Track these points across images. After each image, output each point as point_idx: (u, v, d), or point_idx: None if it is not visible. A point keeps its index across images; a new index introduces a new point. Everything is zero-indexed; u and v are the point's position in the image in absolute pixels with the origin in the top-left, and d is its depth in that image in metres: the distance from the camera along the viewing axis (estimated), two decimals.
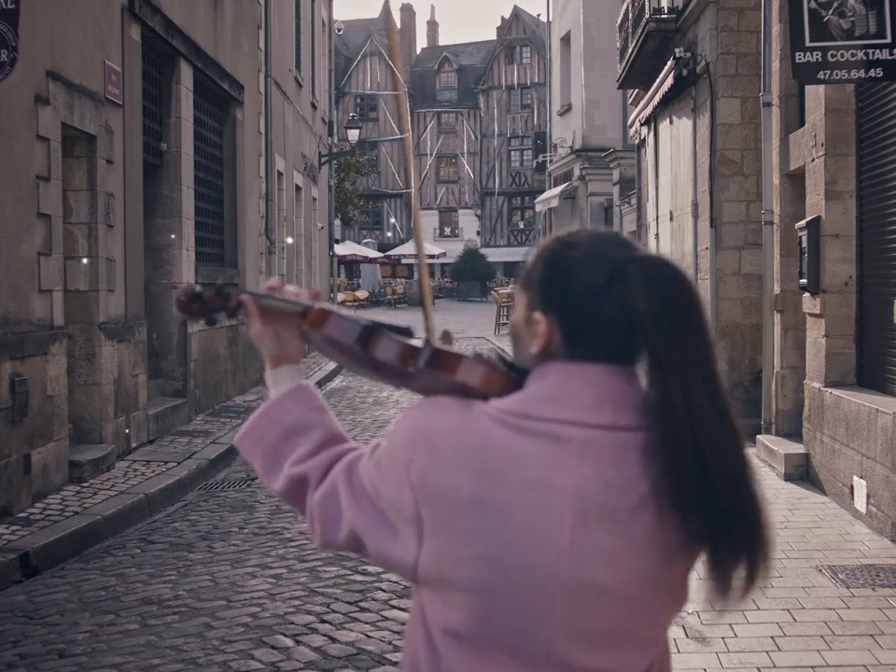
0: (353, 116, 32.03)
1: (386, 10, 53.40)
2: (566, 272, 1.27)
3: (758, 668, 4.04)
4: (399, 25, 59.46)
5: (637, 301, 1.21)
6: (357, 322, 1.38)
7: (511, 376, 1.29)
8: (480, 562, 1.21)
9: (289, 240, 14.56)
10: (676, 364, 1.19)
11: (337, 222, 32.87)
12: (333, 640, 4.47)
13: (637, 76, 14.43)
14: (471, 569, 1.21)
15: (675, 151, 12.98)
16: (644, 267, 1.23)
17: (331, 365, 16.18)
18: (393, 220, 54.49)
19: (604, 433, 1.21)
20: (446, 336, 1.43)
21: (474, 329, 26.03)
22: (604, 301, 1.23)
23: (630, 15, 14.55)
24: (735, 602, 1.24)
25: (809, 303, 7.55)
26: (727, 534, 1.20)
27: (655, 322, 1.20)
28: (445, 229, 54.80)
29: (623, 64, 15.04)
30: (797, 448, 7.85)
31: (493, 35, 60.86)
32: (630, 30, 14.48)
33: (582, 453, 1.20)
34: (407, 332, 1.37)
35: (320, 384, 15.04)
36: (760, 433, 8.89)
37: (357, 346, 1.36)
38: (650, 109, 13.56)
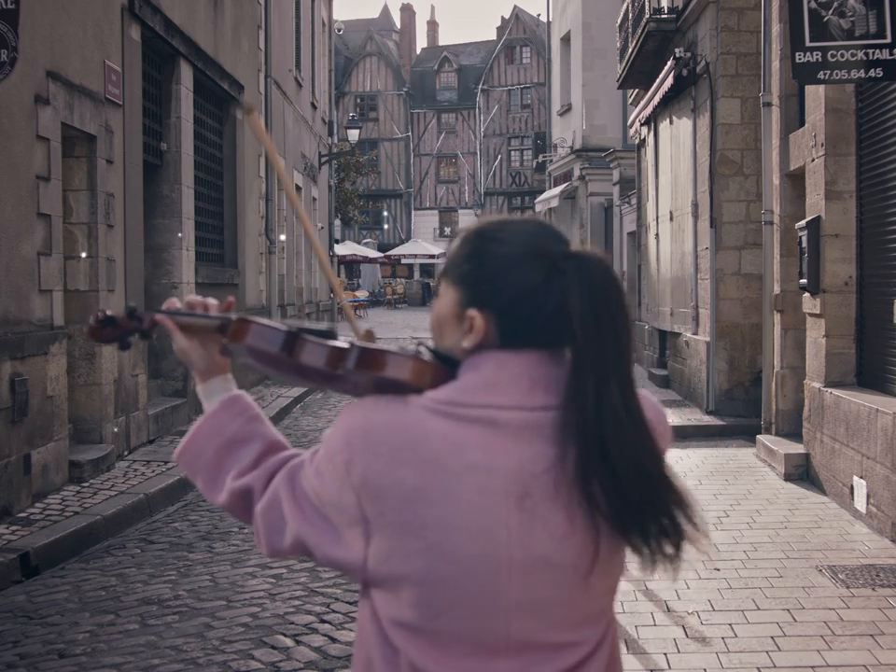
0: (353, 116, 32.02)
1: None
2: (500, 269, 1.27)
3: (758, 668, 4.04)
4: (399, 25, 59.48)
5: (570, 298, 1.24)
6: (278, 329, 1.35)
7: (441, 367, 1.29)
8: (430, 552, 1.21)
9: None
10: (593, 360, 1.22)
11: (337, 222, 32.87)
12: (333, 640, 4.47)
13: (637, 76, 14.43)
14: (422, 561, 1.21)
15: (675, 151, 12.98)
16: (580, 264, 1.26)
17: None
18: (393, 220, 54.48)
19: (539, 414, 1.24)
20: (369, 335, 1.42)
21: None
22: (542, 298, 1.25)
23: (630, 15, 14.55)
24: (668, 572, 1.27)
25: (809, 303, 7.55)
26: (633, 508, 1.22)
27: (583, 320, 1.23)
28: (445, 229, 54.78)
29: (623, 64, 15.04)
30: (797, 448, 7.85)
31: (493, 35, 60.93)
32: (630, 30, 14.48)
33: (520, 434, 1.22)
34: (329, 335, 1.35)
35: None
36: (760, 433, 8.90)
37: (283, 354, 1.33)
38: (650, 109, 13.56)
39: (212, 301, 1.53)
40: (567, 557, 1.23)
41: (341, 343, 1.33)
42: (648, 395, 1.32)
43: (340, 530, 1.28)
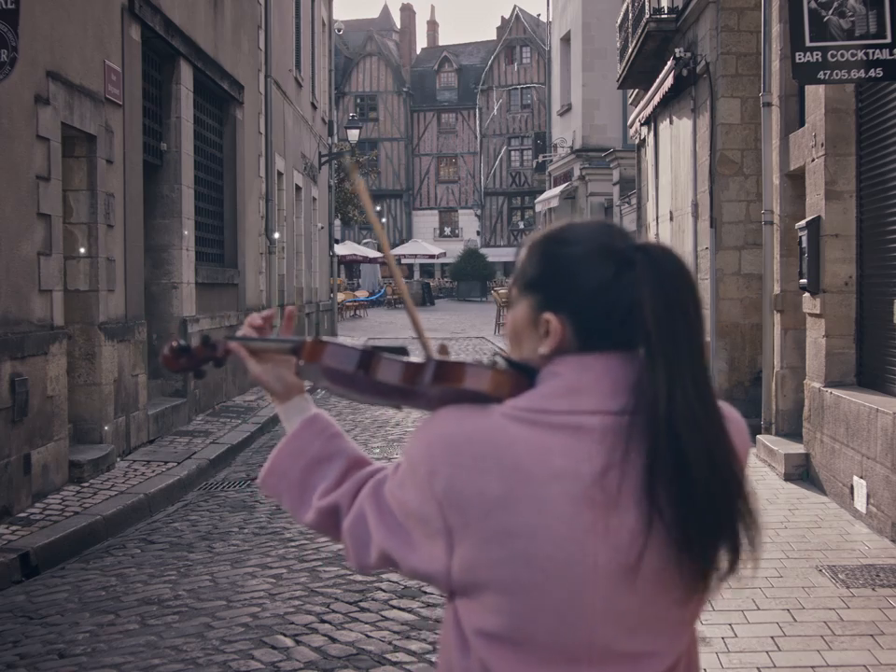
0: (353, 116, 32.02)
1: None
2: (571, 269, 1.26)
3: (758, 668, 4.04)
4: (399, 25, 59.48)
5: (641, 290, 1.22)
6: (354, 348, 1.36)
7: (519, 376, 1.29)
8: (515, 560, 1.21)
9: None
10: (667, 353, 1.20)
11: (337, 222, 32.86)
12: (333, 640, 4.47)
13: (637, 76, 14.43)
14: (507, 569, 1.21)
15: (675, 151, 12.98)
16: (650, 256, 1.24)
17: None
18: (394, 220, 54.47)
19: (622, 417, 1.22)
20: (443, 349, 1.41)
21: (474, 330, 26.05)
22: (616, 294, 1.24)
23: (630, 15, 14.55)
24: (716, 587, 1.26)
25: (809, 303, 7.55)
26: (701, 518, 1.20)
27: (654, 311, 1.21)
28: (445, 229, 54.80)
29: (623, 64, 15.04)
30: (797, 448, 7.85)
31: (493, 35, 60.91)
32: (630, 30, 14.48)
33: (604, 439, 1.21)
34: (403, 351, 1.36)
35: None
36: (760, 433, 8.89)
37: (360, 372, 1.34)
38: (650, 109, 13.56)
39: (266, 314, 1.54)
40: (650, 565, 1.21)
41: (414, 358, 1.33)
42: (729, 407, 1.30)
43: (424, 542, 1.27)
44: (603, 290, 1.24)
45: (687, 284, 1.24)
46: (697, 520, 1.20)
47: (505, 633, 1.23)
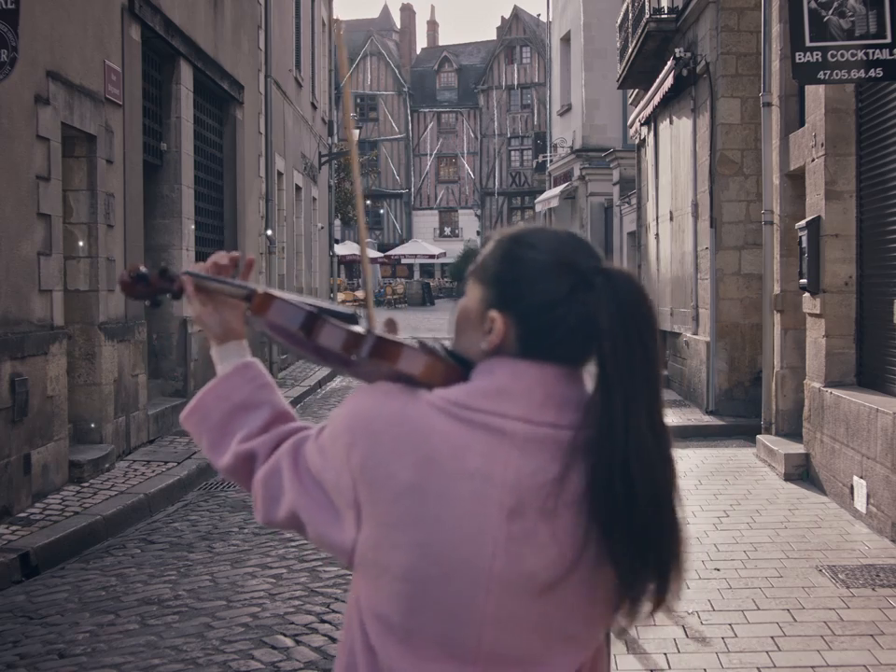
0: (353, 116, 31.99)
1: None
2: (528, 275, 1.25)
3: (758, 668, 4.04)
4: (399, 25, 59.47)
5: (598, 315, 1.21)
6: (301, 308, 1.36)
7: (454, 367, 1.28)
8: (414, 550, 1.21)
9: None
10: (623, 381, 1.19)
11: (337, 222, 32.86)
12: (333, 640, 4.47)
13: (637, 76, 14.43)
14: (405, 556, 1.21)
15: (675, 151, 12.98)
16: (611, 281, 1.23)
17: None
18: (393, 220, 54.49)
19: (546, 430, 1.21)
20: (390, 324, 1.41)
21: None
22: (566, 310, 1.23)
23: (630, 15, 14.55)
24: (638, 621, 1.23)
25: (809, 303, 7.55)
26: (639, 552, 1.19)
27: (613, 338, 1.20)
28: (445, 229, 54.79)
29: (623, 64, 15.04)
30: (797, 448, 7.85)
31: (493, 35, 60.89)
32: (630, 30, 14.48)
33: (524, 447, 1.20)
34: (351, 319, 1.36)
35: (321, 383, 15.04)
36: (760, 433, 8.89)
37: (301, 333, 1.35)
38: (650, 109, 13.57)
39: (234, 254, 1.53)
40: (551, 578, 1.20)
41: (358, 329, 1.33)
42: None
43: (335, 510, 1.28)
44: (554, 303, 1.23)
45: (646, 313, 1.23)
46: (633, 547, 1.19)
47: (396, 619, 1.23)
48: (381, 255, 44.84)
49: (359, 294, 38.32)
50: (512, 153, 53.56)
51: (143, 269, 1.56)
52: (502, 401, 1.22)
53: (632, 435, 1.18)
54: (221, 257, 1.53)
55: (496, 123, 53.43)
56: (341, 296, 30.43)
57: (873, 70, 6.22)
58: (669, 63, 11.88)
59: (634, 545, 1.19)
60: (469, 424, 1.21)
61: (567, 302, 1.23)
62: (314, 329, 1.33)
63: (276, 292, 1.42)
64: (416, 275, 51.74)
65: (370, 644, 1.27)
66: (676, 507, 1.22)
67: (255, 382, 1.47)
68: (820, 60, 6.30)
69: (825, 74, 6.32)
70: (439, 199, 55.05)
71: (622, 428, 1.18)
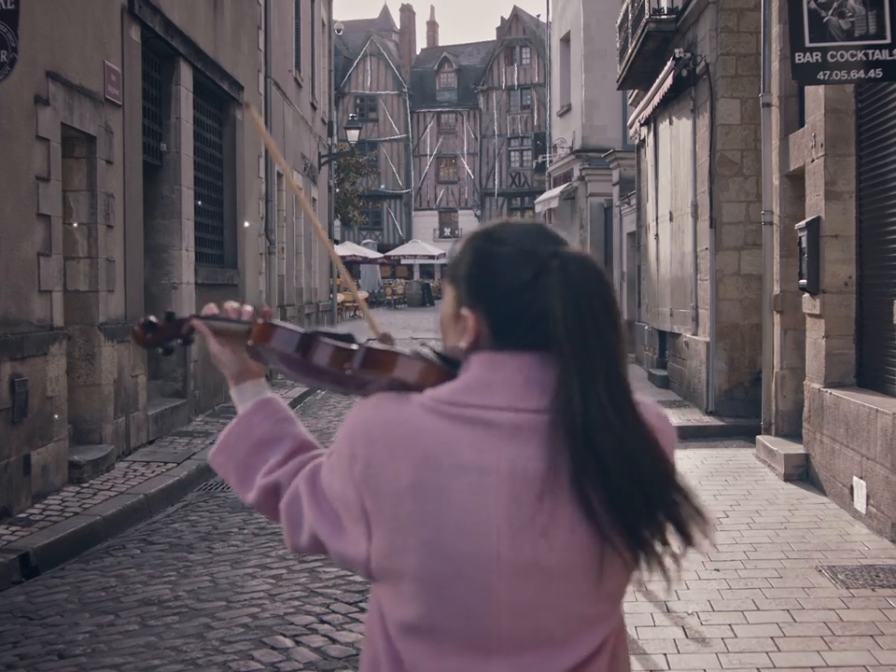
0: (352, 116, 32.02)
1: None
2: (492, 268, 1.28)
3: (758, 669, 4.04)
4: (398, 26, 59.49)
5: (550, 297, 1.23)
6: (295, 331, 1.40)
7: (446, 369, 1.31)
8: (424, 549, 1.23)
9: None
10: (578, 361, 1.21)
11: (337, 223, 32.87)
12: (333, 641, 4.47)
13: (637, 76, 14.43)
14: (416, 557, 1.23)
15: (674, 152, 12.98)
16: (563, 263, 1.25)
17: None
18: (393, 220, 54.49)
19: (532, 416, 1.23)
20: (385, 338, 1.44)
21: None
22: (530, 297, 1.25)
23: (630, 15, 14.55)
24: (672, 578, 1.25)
25: (809, 304, 7.55)
26: (626, 517, 1.21)
27: (564, 319, 1.22)
28: (445, 229, 54.79)
29: (623, 65, 15.04)
30: (797, 448, 7.85)
31: (493, 36, 60.91)
32: (630, 30, 14.48)
33: (513, 435, 1.23)
34: (347, 338, 1.39)
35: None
36: (760, 434, 8.89)
37: (298, 354, 1.38)
38: (649, 110, 13.57)
39: (247, 308, 1.57)
40: (559, 561, 1.22)
41: (352, 345, 1.35)
42: (649, 401, 1.31)
43: (348, 527, 1.30)
44: (518, 292, 1.26)
45: (597, 290, 1.24)
46: (625, 513, 1.21)
47: (417, 621, 1.25)
48: (381, 255, 44.83)
49: (361, 294, 38.27)
50: (512, 154, 53.57)
51: (152, 318, 1.60)
52: (486, 394, 1.24)
53: (592, 412, 1.20)
54: (229, 305, 1.58)
55: (495, 124, 53.44)
56: (341, 296, 30.41)
57: (872, 70, 6.22)
58: (669, 63, 11.88)
59: (625, 514, 1.21)
60: (457, 420, 1.24)
61: (530, 289, 1.25)
62: (310, 349, 1.37)
63: (276, 322, 1.46)
64: (416, 276, 51.74)
65: (395, 652, 1.28)
66: (666, 470, 1.24)
67: (274, 416, 1.52)
68: (820, 60, 6.30)
69: (825, 74, 6.33)
70: (438, 199, 55.06)
71: (580, 409, 1.20)
